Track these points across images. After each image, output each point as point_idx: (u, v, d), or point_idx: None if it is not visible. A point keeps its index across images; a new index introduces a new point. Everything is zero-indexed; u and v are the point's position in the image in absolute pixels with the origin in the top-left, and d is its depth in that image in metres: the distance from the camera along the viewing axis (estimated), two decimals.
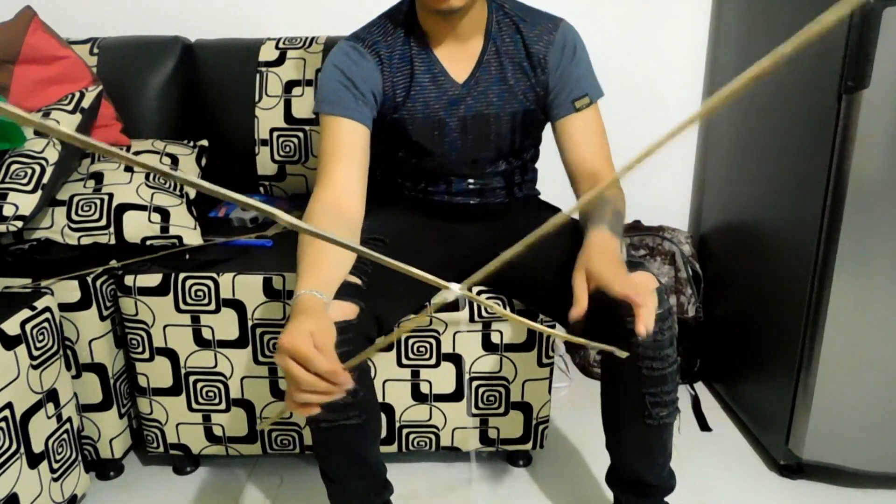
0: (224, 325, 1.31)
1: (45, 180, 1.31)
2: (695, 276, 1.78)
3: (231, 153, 1.70)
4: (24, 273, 1.31)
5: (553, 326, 1.33)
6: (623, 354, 0.86)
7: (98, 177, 1.43)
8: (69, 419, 1.27)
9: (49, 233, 1.37)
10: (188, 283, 1.29)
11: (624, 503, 1.19)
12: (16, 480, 1.13)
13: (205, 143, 1.63)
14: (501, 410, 1.39)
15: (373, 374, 1.34)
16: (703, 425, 1.65)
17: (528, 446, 1.43)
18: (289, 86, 1.65)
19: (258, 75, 1.66)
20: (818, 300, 1.30)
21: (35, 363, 1.18)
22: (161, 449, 1.42)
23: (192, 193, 1.53)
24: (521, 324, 0.72)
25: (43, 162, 1.32)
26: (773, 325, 1.47)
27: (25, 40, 1.48)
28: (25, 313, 1.16)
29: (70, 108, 1.41)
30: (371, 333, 1.05)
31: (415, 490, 1.43)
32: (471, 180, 1.25)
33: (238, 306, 1.30)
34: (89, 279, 1.29)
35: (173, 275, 1.29)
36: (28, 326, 1.16)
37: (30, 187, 1.29)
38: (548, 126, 1.25)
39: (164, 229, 1.41)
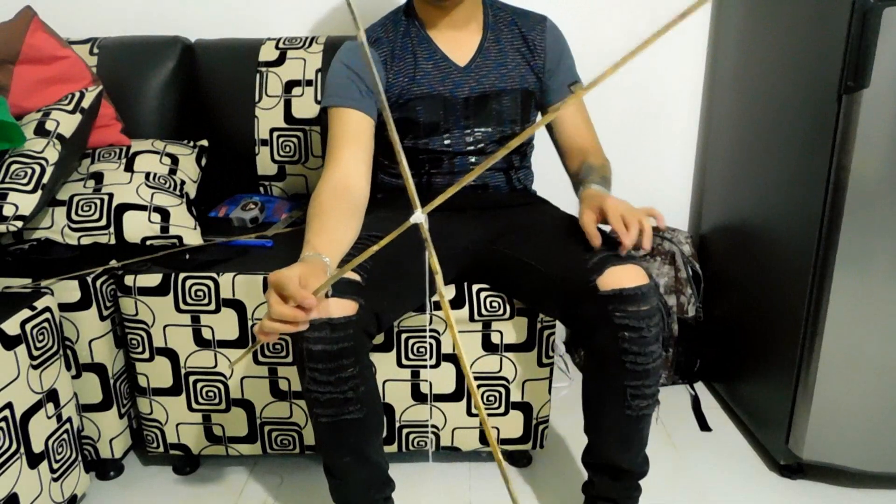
0: (224, 325, 1.31)
1: (45, 180, 1.31)
2: (695, 276, 1.78)
3: (231, 153, 1.70)
4: (24, 273, 1.31)
5: (553, 326, 1.34)
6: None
7: (98, 177, 1.43)
8: (69, 419, 1.27)
9: (49, 233, 1.37)
10: (188, 283, 1.29)
11: (597, 483, 1.21)
12: (16, 480, 1.13)
13: (205, 143, 1.63)
14: (501, 410, 1.39)
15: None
16: (703, 425, 1.65)
17: (528, 446, 1.43)
18: (289, 86, 1.65)
19: (258, 75, 1.66)
20: (818, 300, 1.30)
21: (35, 363, 1.18)
22: (161, 449, 1.42)
23: (192, 193, 1.53)
24: (444, 304, 0.73)
25: (43, 162, 1.32)
26: (773, 325, 1.47)
27: (25, 40, 1.48)
28: (25, 313, 1.16)
29: (70, 108, 1.41)
30: (371, 329, 1.06)
31: (415, 490, 1.43)
32: (472, 158, 1.27)
33: (238, 306, 1.30)
34: (89, 279, 1.30)
35: (173, 275, 1.29)
36: (28, 326, 1.16)
37: (30, 187, 1.29)
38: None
39: (164, 229, 1.41)
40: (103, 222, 1.38)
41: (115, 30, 1.81)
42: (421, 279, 1.17)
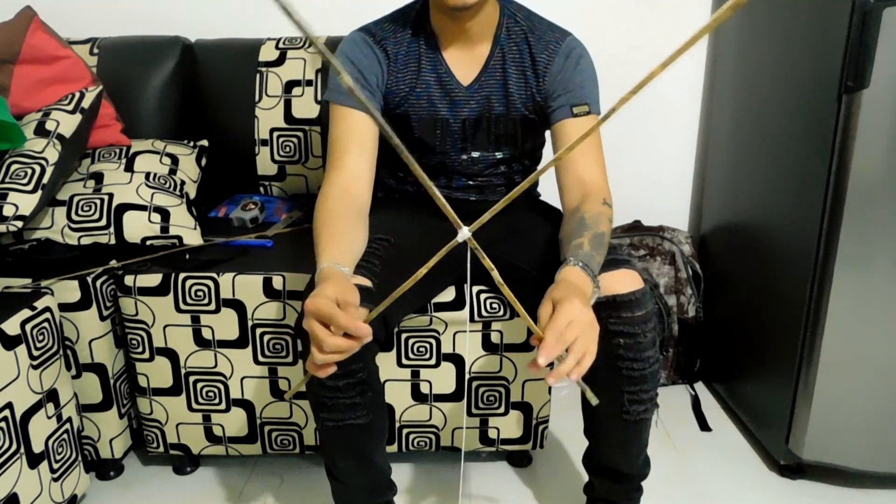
0: (224, 325, 1.31)
1: (45, 180, 1.31)
2: (695, 276, 1.78)
3: (231, 153, 1.70)
4: (24, 273, 1.31)
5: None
6: (594, 401, 0.85)
7: (98, 177, 1.43)
8: (69, 419, 1.27)
9: (49, 233, 1.37)
10: (188, 283, 1.29)
11: (597, 486, 1.21)
12: (16, 480, 1.13)
13: (205, 143, 1.63)
14: (501, 410, 1.39)
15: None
16: (703, 425, 1.65)
17: (528, 446, 1.43)
18: (289, 86, 1.65)
19: (258, 75, 1.66)
20: (818, 300, 1.30)
21: (35, 363, 1.18)
22: (161, 449, 1.42)
23: (192, 193, 1.53)
24: (511, 300, 0.73)
25: (43, 162, 1.32)
26: (773, 325, 1.47)
27: (25, 40, 1.48)
28: (25, 313, 1.16)
29: (70, 108, 1.41)
30: (379, 334, 1.06)
31: (414, 490, 1.43)
32: (471, 178, 1.25)
33: (238, 306, 1.30)
34: (89, 279, 1.29)
35: (173, 275, 1.29)
36: (28, 326, 1.16)
37: (30, 187, 1.29)
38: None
39: (164, 229, 1.41)
40: (103, 222, 1.38)
41: (115, 30, 1.81)
42: (427, 280, 1.16)
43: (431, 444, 1.42)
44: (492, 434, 1.41)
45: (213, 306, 1.30)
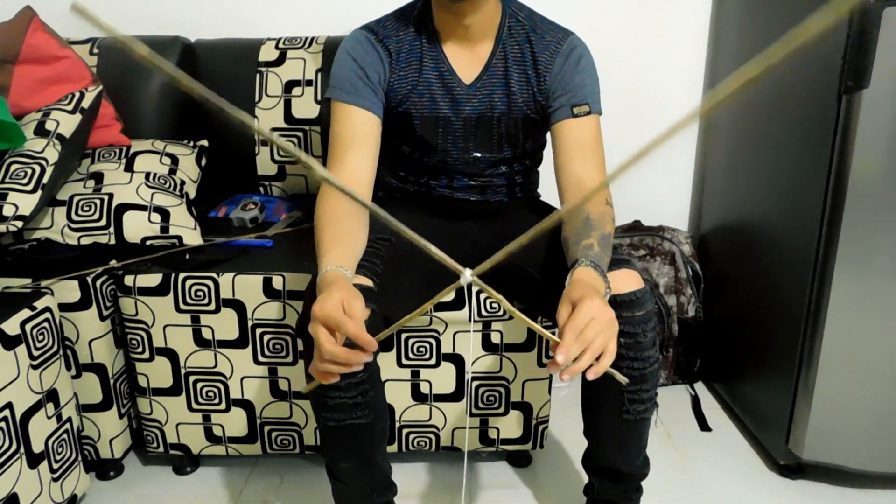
0: (224, 325, 1.31)
1: (45, 180, 1.31)
2: (695, 276, 1.78)
3: (231, 153, 1.70)
4: (24, 273, 1.31)
5: (553, 326, 1.33)
6: (624, 380, 0.86)
7: (98, 177, 1.43)
8: (69, 419, 1.27)
9: (49, 233, 1.37)
10: (188, 283, 1.29)
11: (597, 487, 1.21)
12: (16, 480, 1.13)
13: (205, 143, 1.63)
14: (501, 410, 1.39)
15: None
16: (703, 425, 1.65)
17: (528, 446, 1.43)
18: (289, 86, 1.65)
19: (258, 75, 1.66)
20: (818, 300, 1.30)
21: (35, 363, 1.18)
22: (161, 449, 1.42)
23: (192, 193, 1.53)
24: (522, 321, 0.73)
25: (43, 162, 1.32)
26: (773, 325, 1.47)
27: (25, 40, 1.48)
28: (25, 313, 1.16)
29: (70, 108, 1.41)
30: (379, 334, 1.05)
31: (414, 490, 1.43)
32: (472, 177, 1.25)
33: (238, 306, 1.30)
34: (89, 279, 1.29)
35: (173, 275, 1.29)
36: (28, 326, 1.16)
37: (30, 187, 1.29)
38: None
39: (164, 229, 1.41)
40: (103, 222, 1.38)
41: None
42: (428, 280, 1.16)
43: (431, 444, 1.42)
44: (492, 434, 1.41)
45: (213, 306, 1.30)
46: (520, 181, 1.30)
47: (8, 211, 1.26)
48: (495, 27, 1.18)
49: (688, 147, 1.92)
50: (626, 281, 1.04)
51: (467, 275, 0.58)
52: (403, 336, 1.32)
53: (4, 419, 1.10)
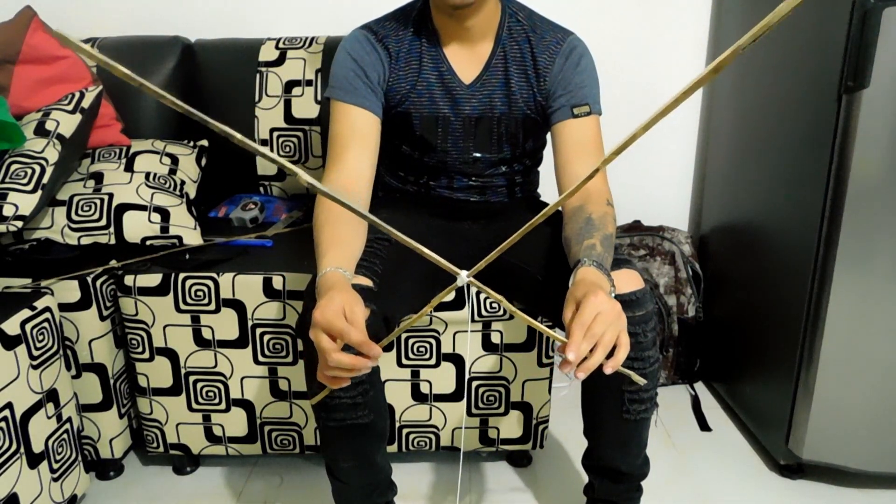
0: (224, 325, 1.31)
1: (45, 180, 1.31)
2: (695, 276, 1.78)
3: (231, 153, 1.70)
4: (24, 273, 1.31)
5: (553, 326, 1.33)
6: (641, 381, 0.86)
7: (98, 177, 1.43)
8: (69, 419, 1.27)
9: (49, 233, 1.37)
10: (188, 283, 1.29)
11: (597, 487, 1.20)
12: (16, 480, 1.13)
13: (205, 143, 1.63)
14: (501, 410, 1.39)
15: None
16: (703, 425, 1.65)
17: (528, 446, 1.43)
18: (289, 86, 1.65)
19: (258, 75, 1.66)
20: (818, 300, 1.30)
21: (35, 363, 1.18)
22: (161, 449, 1.42)
23: (192, 193, 1.53)
24: (524, 320, 0.72)
25: (43, 162, 1.32)
26: (773, 325, 1.47)
27: (25, 40, 1.48)
28: (25, 313, 1.16)
29: (70, 108, 1.41)
30: (380, 334, 1.05)
31: (414, 490, 1.43)
32: (472, 177, 1.25)
33: (238, 306, 1.30)
34: (89, 279, 1.29)
35: (173, 275, 1.29)
36: (28, 326, 1.16)
37: (30, 187, 1.29)
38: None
39: (164, 229, 1.41)
40: (103, 222, 1.38)
41: (115, 30, 1.81)
42: (427, 280, 1.16)
43: (431, 444, 1.42)
44: (492, 434, 1.41)
45: (213, 306, 1.30)
46: (520, 181, 1.30)
47: (8, 211, 1.26)
48: (495, 27, 1.18)
49: (688, 147, 1.92)
50: (627, 281, 1.04)
51: (463, 276, 0.58)
52: (403, 336, 1.32)
53: (4, 419, 1.10)
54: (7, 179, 1.29)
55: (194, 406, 1.38)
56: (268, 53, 1.67)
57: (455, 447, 1.42)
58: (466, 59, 1.18)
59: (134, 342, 1.33)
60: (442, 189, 1.27)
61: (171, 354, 1.34)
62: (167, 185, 1.47)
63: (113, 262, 1.35)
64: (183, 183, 1.51)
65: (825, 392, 1.33)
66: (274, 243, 1.46)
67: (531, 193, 1.36)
